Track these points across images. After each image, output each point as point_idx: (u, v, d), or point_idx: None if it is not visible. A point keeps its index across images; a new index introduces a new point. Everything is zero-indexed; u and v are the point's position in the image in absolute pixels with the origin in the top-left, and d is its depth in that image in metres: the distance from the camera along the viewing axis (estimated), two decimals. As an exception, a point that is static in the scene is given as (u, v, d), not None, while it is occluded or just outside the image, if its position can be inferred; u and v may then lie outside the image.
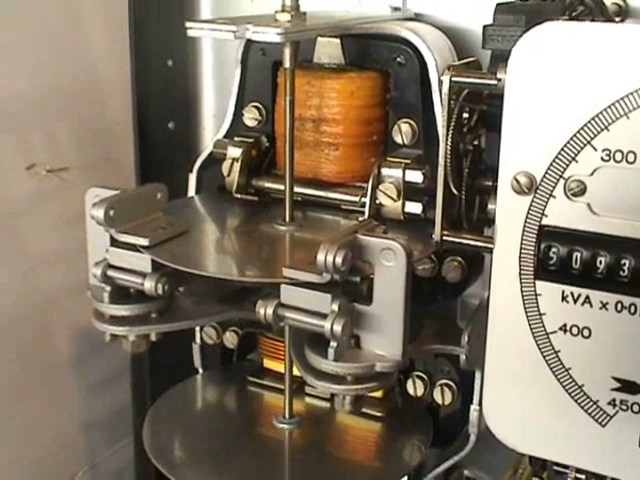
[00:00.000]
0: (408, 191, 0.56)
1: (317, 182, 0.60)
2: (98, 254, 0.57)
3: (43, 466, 0.81)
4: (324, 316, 0.49)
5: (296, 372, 0.64)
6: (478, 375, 0.60)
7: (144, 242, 0.53)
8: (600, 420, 0.40)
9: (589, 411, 0.40)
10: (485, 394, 0.43)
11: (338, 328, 0.48)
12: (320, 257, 0.47)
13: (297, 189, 0.59)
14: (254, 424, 0.64)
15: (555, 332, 0.40)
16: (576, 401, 0.40)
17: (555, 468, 0.47)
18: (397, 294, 0.49)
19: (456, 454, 0.62)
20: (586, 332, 0.39)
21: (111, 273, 0.56)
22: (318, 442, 0.61)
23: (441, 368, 0.62)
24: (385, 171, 0.57)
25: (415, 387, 0.62)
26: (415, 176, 0.56)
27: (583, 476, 0.44)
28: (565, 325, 0.39)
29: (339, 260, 0.47)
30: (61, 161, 0.77)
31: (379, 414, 0.63)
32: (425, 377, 0.62)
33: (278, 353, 0.66)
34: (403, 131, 0.58)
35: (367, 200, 0.58)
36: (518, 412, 0.42)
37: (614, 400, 0.39)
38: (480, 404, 0.61)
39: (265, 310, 0.50)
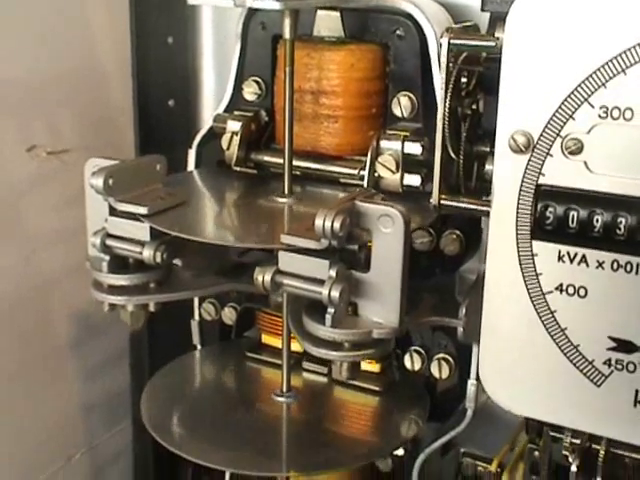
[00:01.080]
0: (407, 163, 0.57)
1: (316, 155, 0.60)
2: (97, 224, 0.57)
3: (41, 447, 0.81)
4: (322, 282, 0.49)
5: (294, 347, 0.64)
6: (475, 349, 0.60)
7: (143, 210, 0.53)
8: (595, 380, 0.40)
9: (584, 371, 0.40)
10: (481, 357, 0.43)
11: (336, 294, 0.48)
12: (318, 222, 0.47)
13: (296, 162, 0.59)
14: (252, 398, 0.64)
15: (551, 292, 0.40)
16: (571, 361, 0.40)
17: (551, 434, 0.47)
18: (395, 261, 0.49)
19: (453, 429, 0.62)
20: (582, 292, 0.39)
21: (110, 242, 0.56)
22: (315, 415, 0.61)
23: (438, 342, 0.62)
24: (384, 144, 0.57)
25: (412, 361, 0.62)
26: (414, 148, 0.56)
27: (578, 440, 0.44)
28: (561, 285, 0.40)
29: (337, 225, 0.47)
30: (61, 143, 0.77)
31: (376, 388, 0.63)
32: (422, 351, 0.62)
33: (276, 328, 0.66)
34: (402, 104, 0.58)
35: (366, 173, 0.58)
36: (514, 374, 0.42)
37: (609, 360, 0.39)
38: (477, 379, 0.61)
39: (263, 277, 0.50)
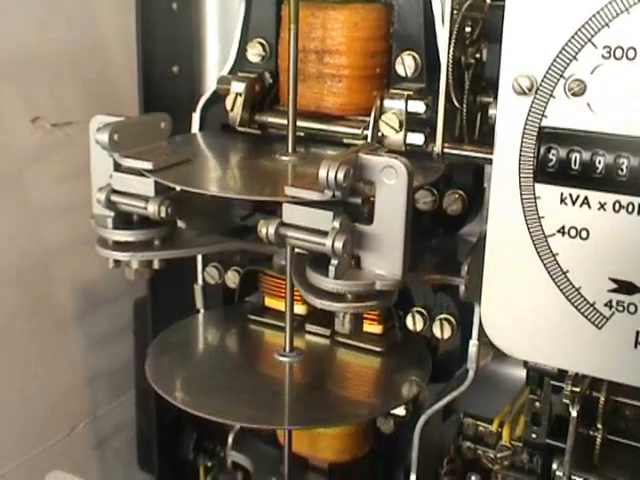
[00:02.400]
0: (410, 122, 0.57)
1: (320, 115, 0.61)
2: (102, 180, 0.57)
3: (45, 417, 0.81)
4: (325, 234, 0.49)
5: (297, 310, 0.65)
6: (477, 310, 0.61)
7: (148, 166, 0.54)
8: (597, 322, 0.40)
9: (586, 313, 0.40)
10: (483, 301, 0.43)
11: (339, 245, 0.49)
12: (322, 173, 0.47)
13: (300, 123, 0.59)
14: (255, 358, 0.64)
15: (553, 235, 0.40)
16: (573, 304, 0.40)
17: (552, 383, 0.48)
18: (398, 213, 0.49)
19: (455, 390, 0.62)
20: (584, 234, 0.39)
21: (114, 198, 0.56)
22: (318, 375, 0.62)
23: (440, 303, 0.62)
24: (387, 102, 0.57)
25: (415, 322, 0.62)
26: (417, 106, 0.56)
27: (578, 388, 0.44)
28: (563, 227, 0.40)
29: (340, 176, 0.47)
30: (65, 115, 0.78)
31: (378, 349, 0.64)
32: (424, 312, 0.62)
33: (279, 291, 0.67)
34: (406, 63, 0.58)
35: (369, 132, 0.58)
36: (516, 318, 0.42)
37: (610, 301, 0.40)
38: (479, 339, 0.61)
39: (267, 229, 0.51)
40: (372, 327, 0.65)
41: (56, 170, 0.78)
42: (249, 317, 0.68)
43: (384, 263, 0.50)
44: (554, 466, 0.46)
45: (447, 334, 0.61)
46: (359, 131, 0.59)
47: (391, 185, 0.49)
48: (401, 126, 0.57)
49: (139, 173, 0.55)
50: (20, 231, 0.75)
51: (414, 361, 0.63)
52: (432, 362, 0.63)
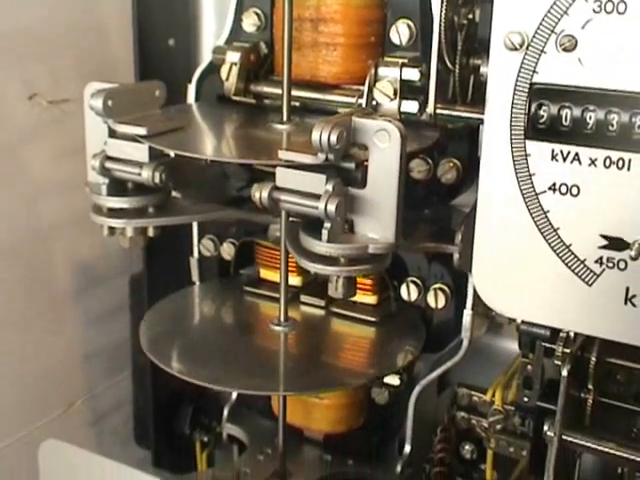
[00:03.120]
0: (405, 90, 0.57)
1: (315, 84, 0.61)
2: (96, 148, 0.57)
3: (42, 393, 0.81)
4: (318, 197, 0.49)
5: (292, 281, 0.65)
6: (471, 279, 0.61)
7: (142, 131, 0.54)
8: (587, 279, 0.40)
9: (576, 271, 0.40)
10: (475, 261, 0.43)
11: (332, 207, 0.49)
12: (315, 135, 0.47)
13: (295, 92, 0.59)
14: (250, 328, 0.65)
15: (544, 192, 0.40)
16: (564, 261, 0.40)
17: (544, 345, 0.48)
18: (391, 176, 0.49)
19: (449, 360, 0.63)
20: (575, 190, 0.40)
21: (109, 165, 0.56)
22: (312, 344, 0.62)
23: (435, 273, 0.62)
24: (382, 71, 0.57)
25: (409, 292, 0.62)
26: (412, 74, 0.56)
27: (569, 350, 0.45)
28: (554, 184, 0.40)
29: (334, 138, 0.47)
30: (62, 93, 0.78)
31: (373, 319, 0.64)
32: (419, 282, 0.63)
33: (274, 262, 0.67)
34: (400, 31, 0.58)
35: (364, 100, 0.58)
36: (507, 277, 0.42)
37: (601, 258, 0.40)
38: (473, 308, 0.62)
39: (260, 193, 0.51)
40: (367, 297, 0.65)
41: (53, 147, 0.78)
42: (244, 289, 0.68)
43: (377, 227, 0.50)
44: (545, 428, 0.46)
45: (441, 303, 0.62)
46: (354, 100, 0.59)
47: (384, 148, 0.49)
48: (395, 94, 0.57)
49: (133, 139, 0.55)
50: (17, 208, 0.75)
51: (408, 331, 0.63)
52: (426, 332, 0.63)
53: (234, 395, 0.75)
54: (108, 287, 0.88)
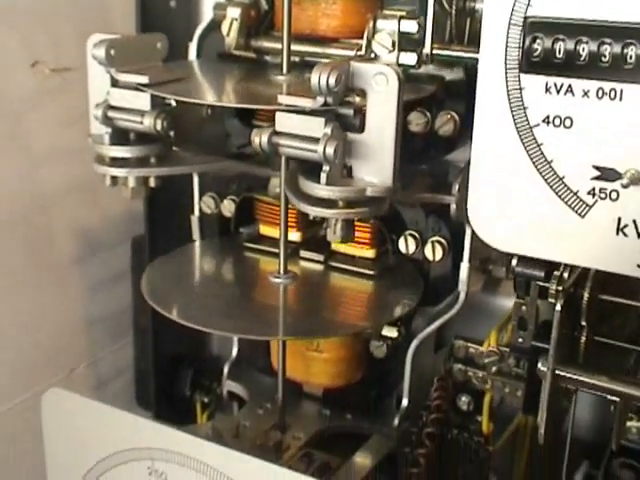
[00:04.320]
0: (403, 43, 0.57)
1: (314, 38, 0.61)
2: (99, 98, 0.58)
3: (44, 358, 0.82)
4: (317, 141, 0.50)
5: (292, 237, 0.66)
6: (468, 231, 0.62)
7: (144, 79, 0.55)
8: (580, 211, 0.41)
9: (569, 203, 0.41)
10: (470, 197, 0.44)
11: (330, 150, 0.49)
12: (314, 77, 0.48)
13: (294, 47, 0.60)
14: (249, 280, 0.65)
15: (538, 125, 0.41)
16: (557, 194, 0.41)
17: (538, 284, 0.49)
18: (389, 120, 0.50)
19: (446, 314, 0.64)
20: (568, 122, 0.40)
21: (111, 114, 0.57)
22: (312, 295, 0.63)
23: (432, 227, 0.63)
24: (380, 23, 0.58)
25: (407, 245, 0.63)
26: (410, 26, 0.57)
27: (561, 287, 0.45)
28: (548, 117, 0.41)
29: (332, 80, 0.48)
30: (65, 61, 0.78)
31: (371, 272, 0.65)
32: (417, 235, 0.63)
33: (274, 217, 0.67)
34: (399, -16, 0.59)
35: (362, 52, 0.59)
36: (502, 212, 0.43)
37: (593, 189, 0.41)
38: (470, 261, 0.63)
39: (260, 138, 0.51)
40: (365, 252, 0.66)
41: (55, 115, 0.79)
42: (244, 245, 0.69)
43: (375, 171, 0.51)
44: (539, 365, 0.47)
45: (439, 256, 0.62)
46: (352, 53, 0.60)
47: (382, 92, 0.49)
48: (393, 46, 0.57)
49: (135, 89, 0.56)
50: (17, 173, 0.76)
51: (406, 284, 0.64)
52: (424, 286, 0.64)
53: (234, 352, 0.76)
54: (110, 254, 0.89)
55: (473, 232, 0.61)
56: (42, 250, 0.81)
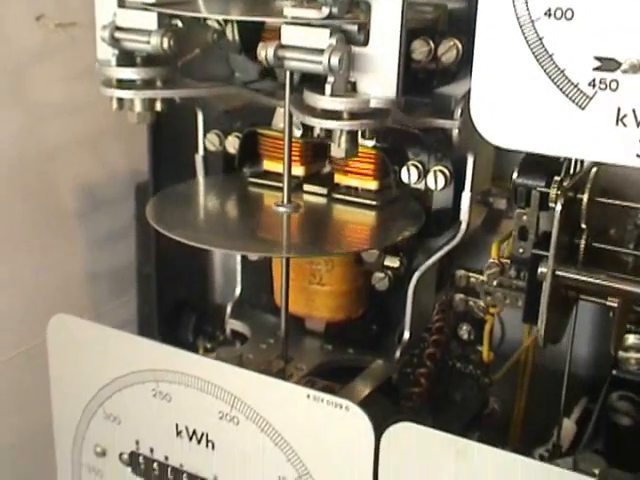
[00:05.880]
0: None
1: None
2: (106, 20, 0.59)
3: (46, 309, 0.83)
4: (322, 52, 0.51)
5: (295, 171, 0.66)
6: (470, 161, 0.63)
7: (150, -2, 0.55)
8: (580, 103, 0.42)
9: (570, 95, 0.42)
10: (473, 96, 0.45)
11: (335, 60, 0.50)
12: (320, -14, 0.49)
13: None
14: (253, 209, 0.66)
15: (539, 18, 0.42)
16: (558, 87, 0.42)
17: (539, 190, 0.49)
18: (393, 32, 0.51)
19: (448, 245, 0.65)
20: (569, 14, 0.41)
21: (118, 35, 0.58)
22: (315, 223, 0.64)
23: (435, 157, 0.64)
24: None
25: (410, 174, 0.64)
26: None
27: (561, 191, 0.46)
28: (549, 9, 0.41)
29: (338, -11, 0.49)
30: (70, 16, 0.79)
31: (374, 203, 0.65)
32: (419, 165, 0.64)
33: (278, 152, 0.68)
34: None
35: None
36: (504, 109, 0.44)
37: (594, 80, 0.41)
38: (472, 189, 0.63)
39: (266, 51, 0.52)
40: (368, 183, 0.66)
41: (59, 71, 0.80)
42: (249, 180, 0.70)
43: (379, 83, 0.52)
44: (539, 269, 0.48)
45: (441, 184, 0.63)
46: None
47: (386, 3, 0.50)
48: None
49: (142, 9, 0.57)
50: (20, 126, 0.76)
51: (408, 214, 0.65)
52: (426, 217, 0.65)
53: (237, 291, 0.76)
54: (114, 209, 0.90)
55: (475, 161, 0.63)
56: (46, 203, 0.82)
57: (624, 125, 0.41)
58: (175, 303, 0.87)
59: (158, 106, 0.60)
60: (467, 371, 0.66)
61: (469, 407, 0.63)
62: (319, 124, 0.52)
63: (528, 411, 0.70)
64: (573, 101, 0.42)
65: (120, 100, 0.59)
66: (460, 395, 0.64)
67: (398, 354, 0.67)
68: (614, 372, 0.64)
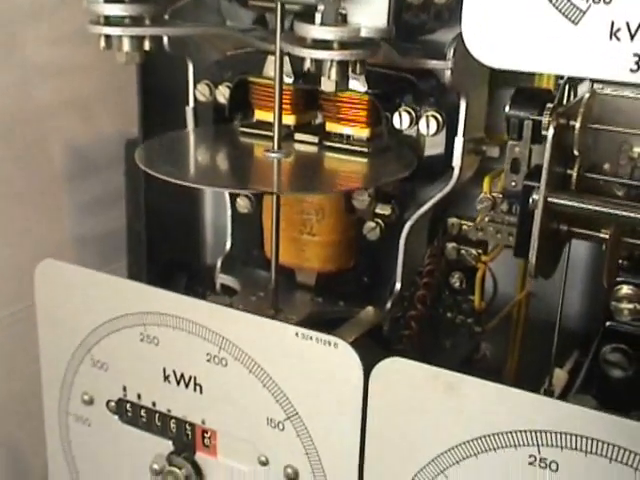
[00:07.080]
0: None
1: None
2: (95, -42, 0.58)
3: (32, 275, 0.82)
4: (313, -18, 0.50)
5: (286, 120, 0.65)
6: (462, 105, 0.62)
7: None
8: (573, 18, 0.41)
9: (563, 10, 0.41)
10: (464, 16, 0.44)
11: (326, -13, 0.50)
12: None
13: None
14: (244, 156, 0.65)
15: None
16: (550, 1, 0.41)
17: (532, 119, 0.49)
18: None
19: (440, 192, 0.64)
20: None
21: (107, -30, 0.57)
22: (306, 168, 0.63)
23: (427, 102, 0.63)
24: None
25: (401, 120, 0.63)
26: None
27: (553, 116, 0.46)
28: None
29: None
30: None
31: (366, 150, 0.65)
32: (411, 111, 0.63)
33: (269, 100, 0.67)
34: None
35: None
36: (496, 28, 0.43)
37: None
38: (464, 135, 0.63)
39: (257, -19, 0.52)
40: (360, 131, 0.65)
41: (51, 31, 0.79)
42: (240, 129, 0.69)
43: (370, 13, 0.51)
44: (531, 198, 0.47)
45: (433, 129, 0.62)
46: None
47: None
48: None
49: (132, -56, 0.56)
50: (10, 84, 0.75)
51: (400, 160, 0.64)
52: (418, 164, 0.64)
53: (228, 245, 0.76)
54: (103, 176, 0.89)
55: (468, 105, 0.62)
56: (35, 165, 0.81)
57: (617, 39, 0.40)
58: (166, 263, 0.86)
59: (147, 45, 0.59)
60: (459, 320, 0.65)
61: (460, 352, 0.63)
62: (309, 54, 0.51)
63: (521, 362, 0.69)
64: (566, 16, 0.41)
65: (108, 38, 0.58)
66: (451, 342, 0.63)
67: (389, 305, 0.66)
68: (607, 324, 0.63)
